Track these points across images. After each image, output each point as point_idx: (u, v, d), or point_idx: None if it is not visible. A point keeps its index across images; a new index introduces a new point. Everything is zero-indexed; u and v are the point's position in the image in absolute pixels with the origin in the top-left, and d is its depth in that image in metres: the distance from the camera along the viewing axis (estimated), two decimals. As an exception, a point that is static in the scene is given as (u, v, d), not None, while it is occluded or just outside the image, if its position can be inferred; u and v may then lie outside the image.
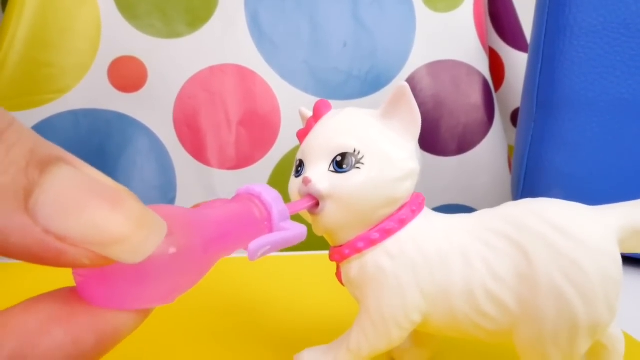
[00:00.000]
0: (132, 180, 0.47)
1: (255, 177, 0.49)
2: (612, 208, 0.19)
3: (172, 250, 0.12)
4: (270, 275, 0.34)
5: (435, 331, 0.20)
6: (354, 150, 0.19)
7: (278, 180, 0.49)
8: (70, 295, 0.12)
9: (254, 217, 0.16)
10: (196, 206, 0.47)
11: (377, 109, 0.20)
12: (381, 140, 0.19)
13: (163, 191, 0.48)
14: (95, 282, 0.12)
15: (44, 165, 0.10)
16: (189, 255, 0.13)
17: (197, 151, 0.48)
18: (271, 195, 0.17)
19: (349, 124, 0.20)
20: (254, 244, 0.16)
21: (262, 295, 0.30)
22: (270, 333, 0.27)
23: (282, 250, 0.49)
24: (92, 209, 0.10)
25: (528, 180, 0.40)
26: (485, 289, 0.18)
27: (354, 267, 0.20)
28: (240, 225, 0.16)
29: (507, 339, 0.19)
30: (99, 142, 0.47)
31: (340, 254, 0.20)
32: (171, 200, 0.48)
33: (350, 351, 0.20)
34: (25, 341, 0.11)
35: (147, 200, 0.47)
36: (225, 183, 0.49)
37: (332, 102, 0.56)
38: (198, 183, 0.48)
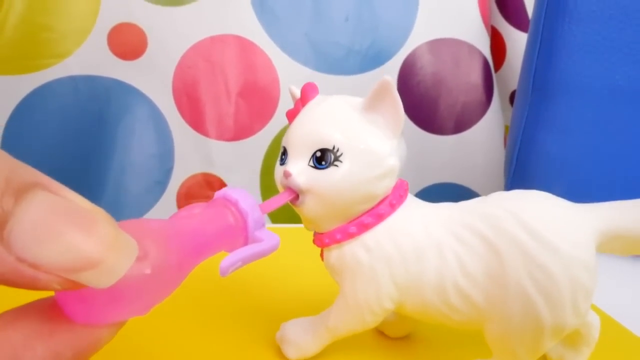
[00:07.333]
0: (130, 149, 0.47)
1: (253, 149, 0.50)
2: (593, 210, 0.19)
3: (147, 271, 0.12)
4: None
5: (409, 315, 0.21)
6: (333, 147, 0.19)
7: (276, 153, 0.49)
8: (52, 309, 0.12)
9: (230, 226, 0.17)
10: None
11: (362, 99, 0.20)
12: (362, 136, 0.19)
13: (161, 160, 0.48)
14: (74, 300, 0.12)
15: (19, 193, 0.10)
16: (164, 273, 0.13)
17: (196, 121, 0.49)
18: (247, 203, 0.17)
19: (331, 117, 0.20)
20: (225, 262, 0.16)
21: (253, 267, 0.31)
22: (260, 302, 0.28)
23: (273, 222, 0.50)
24: (65, 236, 0.10)
25: (520, 161, 0.41)
26: (455, 285, 0.19)
27: (333, 255, 0.21)
28: (217, 235, 0.16)
29: (476, 328, 0.20)
30: (98, 109, 0.47)
31: (321, 241, 0.21)
32: (169, 170, 0.49)
33: (329, 330, 0.22)
34: (10, 355, 0.11)
35: (145, 168, 0.48)
36: (223, 154, 0.49)
37: (332, 77, 0.55)
38: (196, 153, 0.49)
